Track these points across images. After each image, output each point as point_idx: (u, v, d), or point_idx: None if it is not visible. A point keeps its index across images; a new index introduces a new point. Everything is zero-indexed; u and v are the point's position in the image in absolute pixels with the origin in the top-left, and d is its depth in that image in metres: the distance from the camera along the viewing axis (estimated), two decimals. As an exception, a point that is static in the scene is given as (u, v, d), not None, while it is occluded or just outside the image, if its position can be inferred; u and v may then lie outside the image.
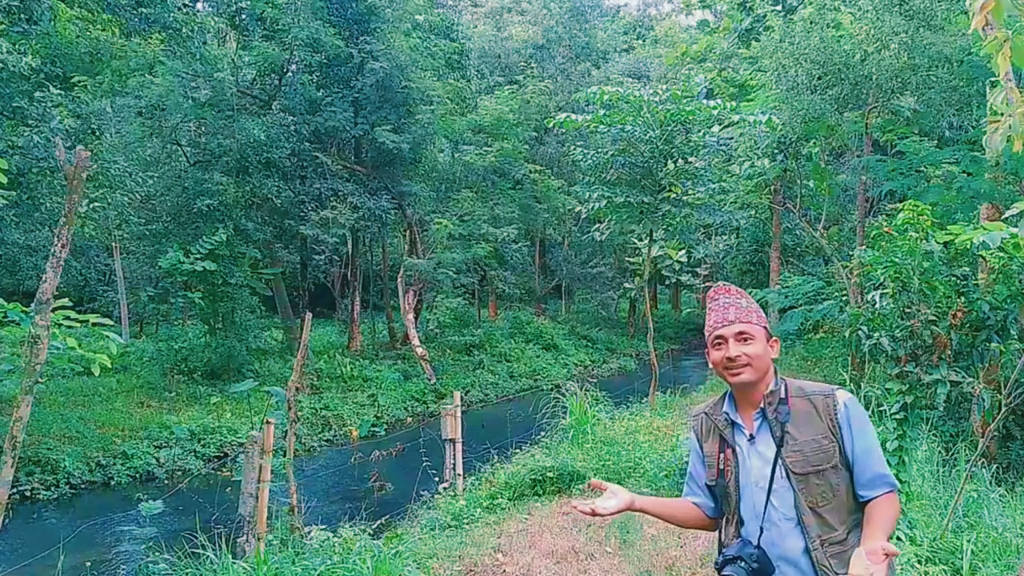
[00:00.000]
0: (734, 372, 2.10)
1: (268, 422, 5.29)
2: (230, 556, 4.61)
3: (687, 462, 2.39)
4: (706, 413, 2.26)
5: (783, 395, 2.10)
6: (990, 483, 5.08)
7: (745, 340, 2.11)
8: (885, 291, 6.37)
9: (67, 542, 6.90)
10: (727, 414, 2.18)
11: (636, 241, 17.89)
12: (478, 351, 21.90)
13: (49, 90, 11.70)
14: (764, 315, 2.21)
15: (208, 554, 4.62)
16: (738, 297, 2.21)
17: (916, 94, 11.52)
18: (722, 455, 2.16)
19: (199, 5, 18.05)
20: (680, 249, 16.86)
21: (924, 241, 6.26)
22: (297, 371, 5.96)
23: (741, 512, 2.12)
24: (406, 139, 18.58)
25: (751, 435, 2.12)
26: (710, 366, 2.23)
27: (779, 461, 2.04)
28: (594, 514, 2.13)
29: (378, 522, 6.40)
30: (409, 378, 18.74)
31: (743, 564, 2.01)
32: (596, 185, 12.79)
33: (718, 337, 2.14)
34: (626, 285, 27.50)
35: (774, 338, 2.19)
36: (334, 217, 17.66)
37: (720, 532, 2.22)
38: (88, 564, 7.57)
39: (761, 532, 2.04)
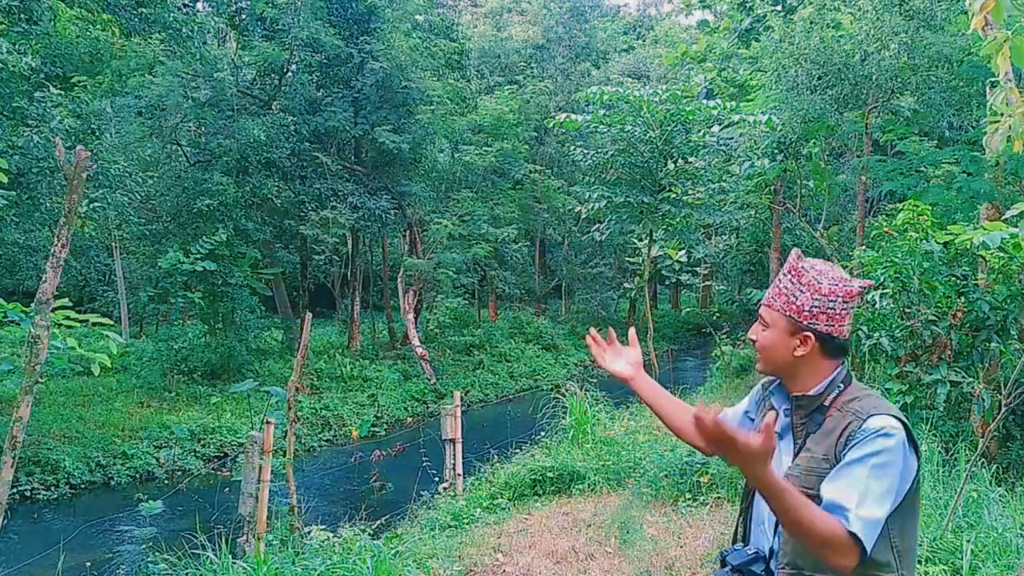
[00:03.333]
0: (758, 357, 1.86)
1: (268, 422, 5.29)
2: (230, 556, 4.60)
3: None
4: (763, 385, 2.00)
5: (827, 403, 1.77)
6: (990, 483, 5.08)
7: (764, 325, 1.86)
8: (885, 291, 6.38)
9: (67, 542, 6.90)
10: (772, 396, 1.92)
11: (636, 241, 17.91)
12: (478, 351, 21.89)
13: (49, 90, 11.70)
14: (804, 303, 1.80)
15: (208, 554, 4.62)
16: (789, 276, 1.84)
17: (916, 94, 11.52)
18: None
19: (199, 5, 18.04)
20: (680, 249, 16.87)
21: (924, 241, 6.27)
22: (297, 371, 5.96)
23: (752, 507, 1.89)
24: (406, 139, 18.58)
25: (779, 431, 1.84)
26: None
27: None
28: (597, 362, 2.03)
29: (378, 522, 6.40)
30: (409, 378, 18.74)
31: None
32: (596, 185, 12.81)
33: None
34: (626, 285, 27.52)
35: (805, 332, 1.79)
36: (334, 217, 17.66)
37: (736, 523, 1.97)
38: (88, 564, 7.56)
39: (772, 551, 1.78)
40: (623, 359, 2.06)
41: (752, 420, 2.01)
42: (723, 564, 1.80)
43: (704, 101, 12.61)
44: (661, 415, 2.08)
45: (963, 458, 5.51)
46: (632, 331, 2.12)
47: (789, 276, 1.84)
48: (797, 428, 1.82)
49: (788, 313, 1.81)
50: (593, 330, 2.06)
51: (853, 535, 1.56)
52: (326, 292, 26.14)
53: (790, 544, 1.71)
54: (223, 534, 4.79)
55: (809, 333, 1.79)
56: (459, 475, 7.92)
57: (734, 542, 1.92)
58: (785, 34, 12.32)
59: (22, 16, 11.13)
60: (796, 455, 1.78)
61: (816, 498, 1.65)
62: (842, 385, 1.79)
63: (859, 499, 1.59)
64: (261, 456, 5.14)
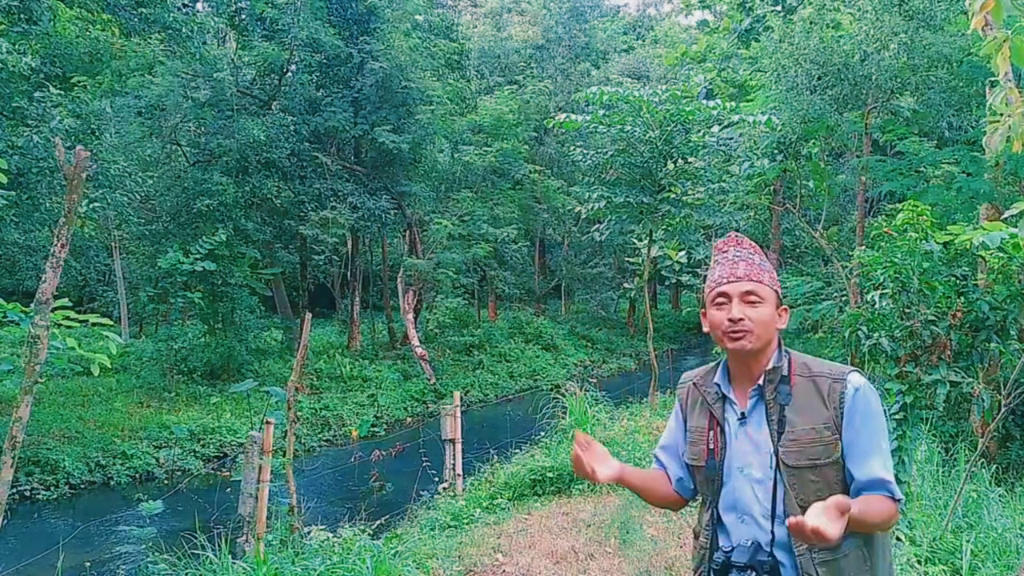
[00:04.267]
0: (734, 337, 1.81)
1: (268, 422, 5.29)
2: (230, 556, 4.60)
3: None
4: (694, 383, 1.97)
5: (786, 372, 1.82)
6: (990, 483, 5.09)
7: (752, 302, 1.82)
8: (885, 291, 6.38)
9: (67, 542, 6.90)
10: (718, 386, 1.90)
11: (636, 241, 17.91)
12: (478, 351, 21.89)
13: (49, 90, 11.69)
14: (777, 277, 1.91)
15: (208, 554, 4.62)
16: (751, 252, 1.90)
17: (916, 94, 11.53)
18: (711, 433, 1.88)
19: (199, 5, 18.04)
20: (680, 250, 16.86)
21: (924, 241, 6.27)
22: (297, 371, 5.96)
23: (720, 501, 1.88)
24: (406, 139, 18.59)
25: (743, 414, 1.85)
26: (705, 329, 1.92)
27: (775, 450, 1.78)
28: (590, 475, 1.89)
29: (378, 522, 6.40)
30: (409, 378, 18.74)
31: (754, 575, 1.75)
32: (596, 185, 12.80)
33: (721, 294, 1.84)
34: (626, 285, 27.51)
35: (784, 306, 1.89)
36: (334, 217, 17.66)
37: (699, 518, 1.99)
38: (88, 564, 7.56)
39: (774, 537, 1.77)
40: (607, 465, 1.93)
41: (687, 428, 1.97)
42: (728, 568, 1.79)
43: (704, 101, 12.60)
44: (643, 493, 2.08)
45: (963, 458, 5.51)
46: (579, 435, 1.96)
47: (751, 252, 1.91)
48: (771, 404, 1.81)
49: (774, 288, 1.88)
50: (580, 434, 1.96)
51: (896, 499, 1.75)
52: (326, 292, 26.15)
53: None
54: (223, 534, 4.79)
55: (784, 306, 1.91)
56: (459, 475, 7.91)
57: (704, 548, 1.96)
58: (785, 34, 12.33)
59: (22, 16, 11.12)
60: (781, 432, 1.78)
61: (825, 467, 1.76)
62: (788, 353, 1.87)
63: (887, 465, 1.76)
64: (261, 456, 5.14)
